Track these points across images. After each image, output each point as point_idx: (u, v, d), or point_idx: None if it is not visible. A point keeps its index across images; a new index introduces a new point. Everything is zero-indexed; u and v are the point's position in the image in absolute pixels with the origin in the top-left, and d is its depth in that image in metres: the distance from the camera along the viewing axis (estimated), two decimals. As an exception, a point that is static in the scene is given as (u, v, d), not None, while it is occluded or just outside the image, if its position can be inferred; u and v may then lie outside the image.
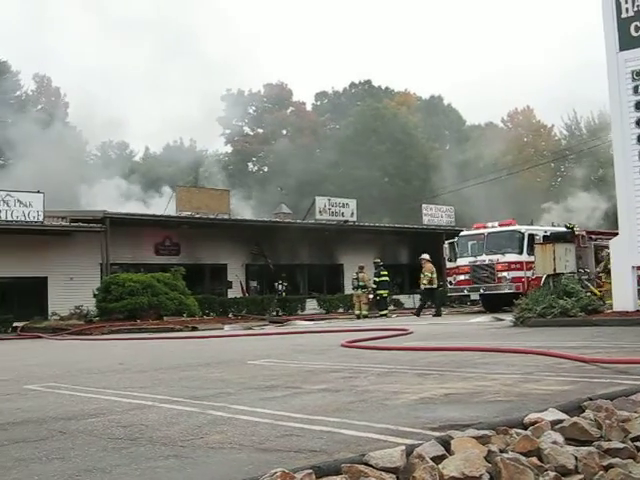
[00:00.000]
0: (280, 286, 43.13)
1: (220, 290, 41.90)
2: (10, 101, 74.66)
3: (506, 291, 30.91)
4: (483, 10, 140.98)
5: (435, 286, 32.53)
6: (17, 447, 5.32)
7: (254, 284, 44.91)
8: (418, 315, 31.58)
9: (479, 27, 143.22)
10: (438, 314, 31.56)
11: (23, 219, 33.06)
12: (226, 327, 28.43)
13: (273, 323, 31.85)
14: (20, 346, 23.04)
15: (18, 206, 32.91)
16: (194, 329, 27.87)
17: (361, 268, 35.09)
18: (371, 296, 34.09)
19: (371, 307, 34.48)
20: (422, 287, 32.91)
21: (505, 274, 31.77)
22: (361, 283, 34.35)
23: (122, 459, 4.71)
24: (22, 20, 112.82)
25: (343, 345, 13.81)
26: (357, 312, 33.93)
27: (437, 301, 32.84)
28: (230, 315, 36.64)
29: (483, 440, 4.60)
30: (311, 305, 42.62)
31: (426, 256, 33.12)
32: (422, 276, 32.50)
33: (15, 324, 32.80)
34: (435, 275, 32.45)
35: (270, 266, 43.46)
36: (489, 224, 34.28)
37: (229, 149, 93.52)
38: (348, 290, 41.36)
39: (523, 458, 4.46)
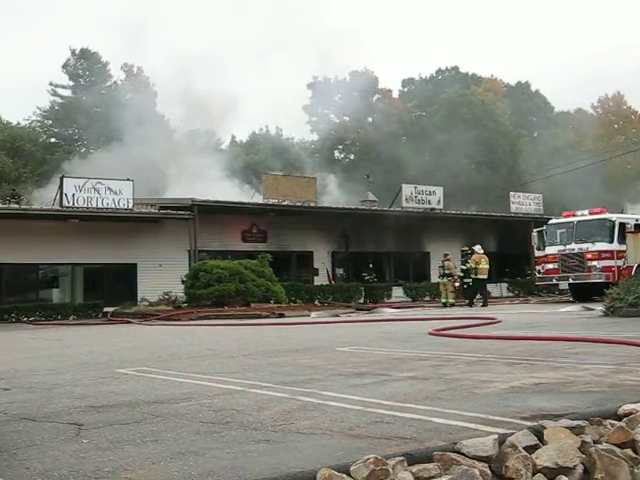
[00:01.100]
0: (367, 276, 43.16)
1: (306, 277, 42.09)
2: (101, 91, 75.99)
3: (596, 280, 30.38)
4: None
5: (480, 277, 32.18)
6: (111, 429, 5.43)
7: (340, 271, 44.95)
8: (484, 305, 31.40)
9: (566, 11, 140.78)
10: (469, 305, 31.93)
11: (113, 207, 33.65)
12: (313, 314, 28.48)
13: (359, 310, 31.85)
14: (110, 331, 23.47)
15: (108, 194, 33.51)
16: (281, 316, 28.02)
17: (445, 256, 34.88)
18: (457, 284, 33.80)
19: (458, 295, 34.20)
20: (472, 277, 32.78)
21: (595, 263, 31.21)
22: (447, 271, 34.11)
23: (214, 443, 4.77)
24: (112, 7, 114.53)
25: (431, 333, 13.77)
26: (443, 300, 33.70)
27: (470, 293, 32.89)
28: (316, 302, 36.76)
29: (576, 431, 4.55)
30: (397, 293, 42.54)
31: (475, 247, 32.83)
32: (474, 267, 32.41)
33: (105, 309, 33.51)
34: (482, 266, 32.07)
35: (347, 251, 43.55)
36: (578, 212, 33.72)
37: (315, 137, 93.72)
38: (434, 278, 41.08)
39: (618, 450, 4.40)
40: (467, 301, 32.67)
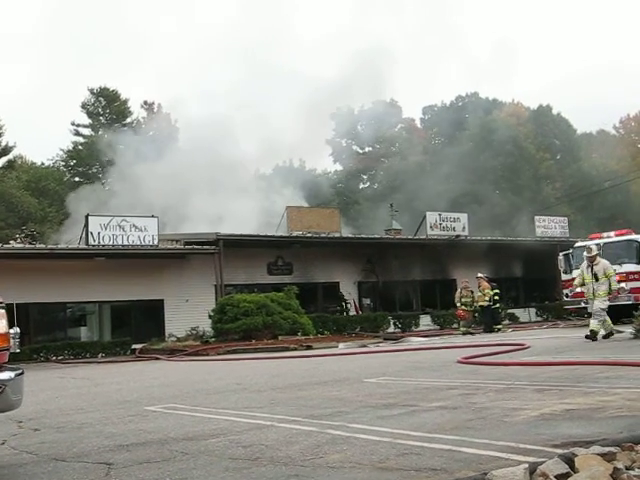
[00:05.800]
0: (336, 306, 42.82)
1: (333, 308, 41.97)
2: (123, 128, 76.45)
3: (624, 302, 30.13)
4: (589, 12, 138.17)
5: (488, 304, 32.22)
6: (141, 468, 5.43)
7: (367, 301, 44.83)
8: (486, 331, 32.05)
9: (586, 29, 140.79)
10: (486, 330, 32.25)
11: (139, 243, 33.79)
12: (341, 345, 28.40)
13: (387, 340, 31.73)
14: (139, 368, 23.48)
15: (133, 231, 33.66)
16: (309, 348, 27.95)
17: (462, 283, 35.02)
18: (460, 312, 33.65)
19: (465, 323, 33.81)
20: (478, 305, 32.77)
21: (623, 285, 30.93)
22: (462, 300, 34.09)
23: (243, 479, 4.76)
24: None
25: (459, 361, 13.72)
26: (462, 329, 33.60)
27: (487, 318, 32.95)
28: (344, 333, 36.66)
29: (608, 457, 4.50)
30: (425, 321, 42.37)
31: (481, 275, 32.93)
32: (480, 294, 32.40)
33: (134, 346, 33.51)
34: (491, 292, 32.17)
35: (378, 281, 43.48)
36: (604, 234, 33.47)
37: (338, 167, 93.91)
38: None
39: (650, 475, 4.34)
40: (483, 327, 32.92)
